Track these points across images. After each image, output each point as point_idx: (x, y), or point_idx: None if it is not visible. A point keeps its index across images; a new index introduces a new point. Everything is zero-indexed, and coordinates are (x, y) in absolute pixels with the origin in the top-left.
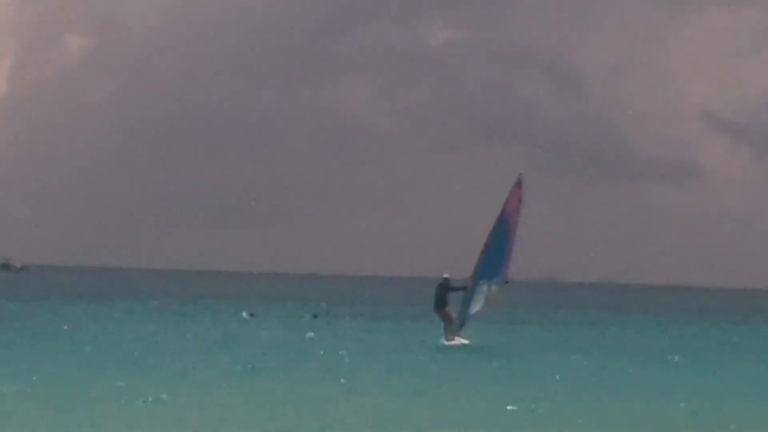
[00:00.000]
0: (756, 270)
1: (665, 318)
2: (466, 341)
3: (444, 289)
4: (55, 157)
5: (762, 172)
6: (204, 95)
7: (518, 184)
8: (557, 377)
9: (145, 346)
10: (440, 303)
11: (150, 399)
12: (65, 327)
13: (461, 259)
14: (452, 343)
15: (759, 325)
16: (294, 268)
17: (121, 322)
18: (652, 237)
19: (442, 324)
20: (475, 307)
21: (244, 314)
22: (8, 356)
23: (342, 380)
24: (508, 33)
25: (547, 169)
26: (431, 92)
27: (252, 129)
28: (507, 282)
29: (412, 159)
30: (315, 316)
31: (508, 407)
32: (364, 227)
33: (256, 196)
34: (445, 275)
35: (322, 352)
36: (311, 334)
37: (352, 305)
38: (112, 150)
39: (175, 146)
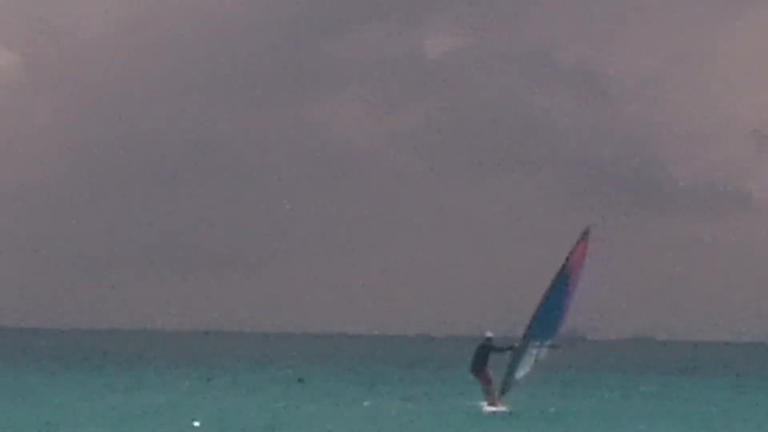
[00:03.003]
0: None
1: (727, 380)
2: (505, 408)
3: (486, 349)
4: None
5: None
6: (160, 117)
7: (585, 236)
8: None
9: None
10: (479, 363)
11: None
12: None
13: (475, 312)
14: (493, 409)
15: None
16: (260, 326)
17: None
18: (697, 281)
19: (482, 387)
20: (522, 371)
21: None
22: None
23: None
24: (519, 39)
25: (571, 198)
26: (431, 110)
27: (222, 155)
28: (557, 346)
29: (413, 189)
30: (300, 380)
31: None
32: (354, 275)
33: (217, 237)
34: (489, 334)
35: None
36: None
37: (345, 367)
38: (43, 183)
39: (126, 179)
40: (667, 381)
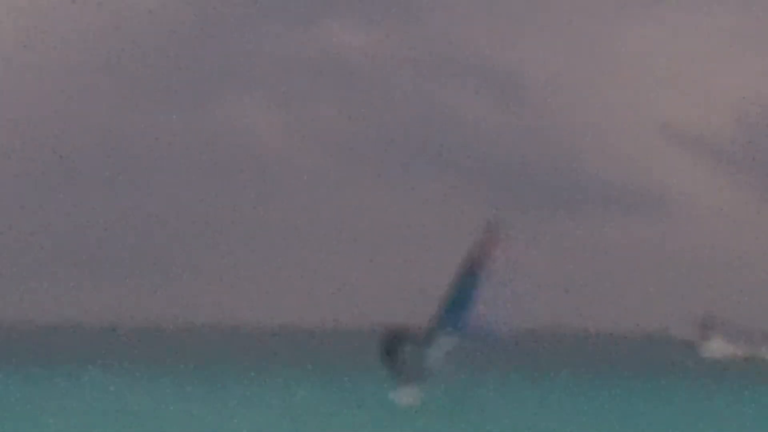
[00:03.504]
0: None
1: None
2: (417, 398)
3: (397, 339)
4: None
5: (742, 197)
6: (52, 111)
7: (490, 229)
8: None
9: None
10: (390, 354)
11: None
12: None
13: (385, 305)
14: (404, 400)
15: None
16: (178, 318)
17: None
18: (606, 278)
19: (394, 378)
20: (432, 361)
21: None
22: None
23: None
24: (431, 36)
25: (484, 197)
26: (341, 107)
27: (119, 154)
28: (470, 338)
29: (322, 187)
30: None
31: None
32: (266, 273)
33: (124, 234)
34: (397, 325)
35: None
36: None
37: (254, 364)
38: None
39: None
40: (576, 377)
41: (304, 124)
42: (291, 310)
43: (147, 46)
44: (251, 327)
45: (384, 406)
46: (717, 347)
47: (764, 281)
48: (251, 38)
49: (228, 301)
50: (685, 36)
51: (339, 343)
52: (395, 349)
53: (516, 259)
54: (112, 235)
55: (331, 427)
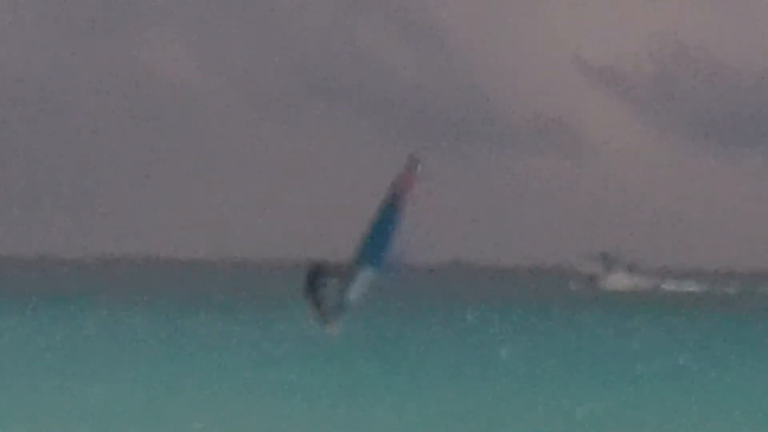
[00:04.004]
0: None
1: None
2: (338, 332)
3: (317, 273)
4: None
5: (651, 133)
6: None
7: (410, 164)
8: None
9: None
10: (311, 288)
11: None
12: None
13: (302, 240)
14: (328, 332)
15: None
16: (92, 253)
17: None
18: (516, 213)
19: (313, 313)
20: (353, 296)
21: None
22: None
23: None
24: None
25: (400, 135)
26: (257, 45)
27: (35, 91)
28: (387, 273)
29: (236, 125)
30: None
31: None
32: (179, 206)
33: (41, 172)
34: (318, 259)
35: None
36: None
37: (180, 295)
38: None
39: None
40: (484, 309)
41: (220, 64)
42: (211, 245)
43: None
44: (175, 261)
45: (306, 339)
46: (617, 280)
47: (668, 216)
48: None
49: (143, 236)
50: None
51: (261, 278)
52: (316, 283)
53: (432, 195)
54: (28, 170)
55: (253, 359)
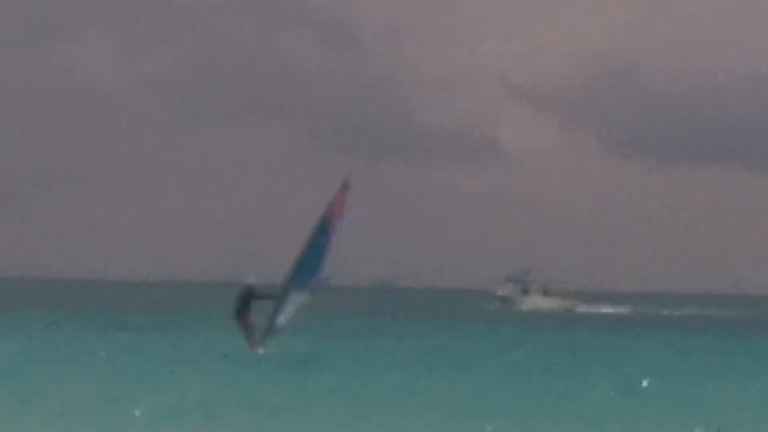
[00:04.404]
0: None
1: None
2: (263, 351)
3: (249, 295)
4: None
5: (570, 147)
6: None
7: (344, 186)
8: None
9: None
10: (242, 309)
11: None
12: None
13: (226, 256)
14: (257, 350)
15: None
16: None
17: None
18: (443, 228)
19: (243, 333)
20: (284, 318)
21: None
22: None
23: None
24: None
25: (323, 145)
26: (180, 55)
27: None
28: (315, 292)
29: (160, 135)
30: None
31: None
32: (101, 220)
33: None
34: (250, 280)
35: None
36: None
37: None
38: None
39: None
40: (407, 325)
41: (146, 77)
42: (133, 263)
43: None
44: (94, 279)
45: (236, 358)
46: (533, 302)
47: (588, 237)
48: None
49: (60, 250)
50: None
51: (181, 296)
52: (247, 306)
53: (358, 213)
54: None
55: (183, 377)
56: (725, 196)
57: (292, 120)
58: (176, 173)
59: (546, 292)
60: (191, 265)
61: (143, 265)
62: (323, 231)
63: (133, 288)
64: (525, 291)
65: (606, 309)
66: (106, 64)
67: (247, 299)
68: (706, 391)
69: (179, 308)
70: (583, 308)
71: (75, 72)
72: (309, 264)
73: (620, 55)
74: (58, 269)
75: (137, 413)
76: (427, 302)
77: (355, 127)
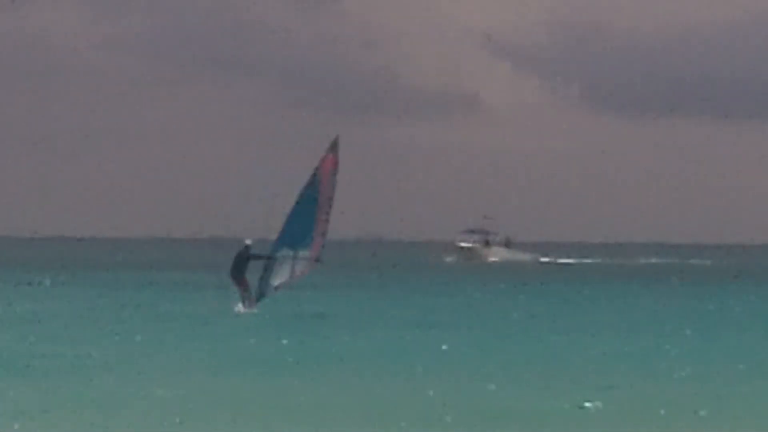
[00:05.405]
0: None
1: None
2: (257, 310)
3: (245, 256)
4: None
5: (549, 101)
6: None
7: (332, 148)
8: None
9: None
10: (238, 270)
11: None
12: None
13: (203, 214)
14: (246, 310)
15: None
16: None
17: None
18: (426, 184)
19: (239, 292)
20: (278, 280)
21: None
22: None
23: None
24: None
25: (298, 104)
26: (148, 16)
27: None
28: (318, 261)
29: (130, 94)
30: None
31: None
32: (72, 180)
33: None
34: (247, 241)
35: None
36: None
37: (94, 273)
38: None
39: None
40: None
41: (116, 34)
42: (107, 220)
43: None
44: (76, 238)
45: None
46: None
47: (563, 189)
48: None
49: (36, 212)
50: None
51: (160, 252)
52: (244, 265)
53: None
54: None
55: (174, 335)
56: (693, 145)
57: (271, 79)
58: (153, 132)
59: (508, 244)
60: (171, 222)
61: (120, 222)
62: (313, 193)
63: (111, 245)
64: (486, 243)
65: (569, 260)
66: (77, 25)
67: (243, 260)
68: (686, 338)
69: (170, 266)
70: (546, 258)
71: (46, 30)
72: (299, 226)
73: (599, 7)
74: (32, 229)
75: (140, 374)
76: (400, 255)
77: (331, 85)
